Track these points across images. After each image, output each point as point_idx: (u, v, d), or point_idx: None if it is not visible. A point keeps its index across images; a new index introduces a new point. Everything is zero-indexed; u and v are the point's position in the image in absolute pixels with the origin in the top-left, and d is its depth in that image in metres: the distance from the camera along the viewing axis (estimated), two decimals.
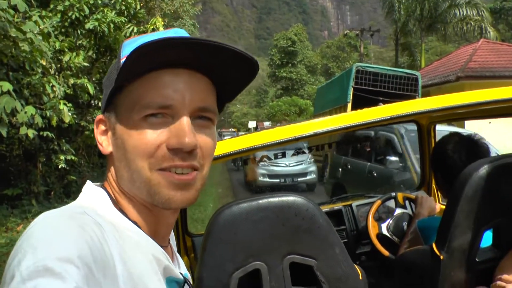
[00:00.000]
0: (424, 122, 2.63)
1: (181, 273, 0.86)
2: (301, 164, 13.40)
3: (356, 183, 8.01)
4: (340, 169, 9.08)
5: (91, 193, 0.80)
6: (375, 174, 7.56)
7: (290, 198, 1.24)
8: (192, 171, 0.76)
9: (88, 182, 0.82)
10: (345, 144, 9.34)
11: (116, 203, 0.79)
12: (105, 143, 0.81)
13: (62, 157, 8.45)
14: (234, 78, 0.83)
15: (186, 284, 0.86)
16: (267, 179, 13.21)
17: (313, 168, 13.54)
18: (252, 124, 46.82)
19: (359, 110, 1.72)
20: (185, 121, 0.74)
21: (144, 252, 0.75)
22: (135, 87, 0.75)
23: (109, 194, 0.80)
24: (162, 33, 0.81)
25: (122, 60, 0.77)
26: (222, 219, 1.21)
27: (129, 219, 0.77)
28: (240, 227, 1.21)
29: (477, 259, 1.54)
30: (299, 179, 13.38)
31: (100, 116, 0.83)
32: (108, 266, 0.62)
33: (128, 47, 0.80)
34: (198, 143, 0.75)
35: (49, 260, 0.54)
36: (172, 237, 1.00)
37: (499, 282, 1.51)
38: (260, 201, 1.23)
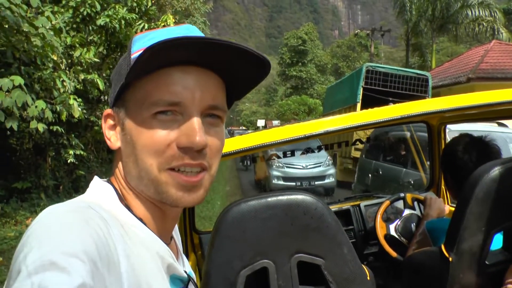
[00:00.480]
0: (434, 123, 2.61)
1: (185, 271, 0.86)
2: (319, 166, 12.38)
3: (390, 191, 6.79)
4: (370, 175, 8.17)
5: (98, 188, 0.80)
6: (411, 181, 6.65)
7: (299, 197, 1.23)
8: (200, 172, 0.76)
9: (96, 178, 0.82)
10: (376, 147, 8.42)
11: (122, 199, 0.79)
12: (113, 138, 0.81)
13: (71, 152, 8.52)
14: (245, 76, 0.83)
15: (190, 282, 0.86)
16: (281, 182, 12.08)
17: (332, 171, 12.54)
18: (261, 122, 46.81)
19: (368, 110, 1.70)
20: (195, 119, 0.74)
21: (148, 249, 0.74)
22: (145, 84, 0.75)
23: (116, 189, 0.80)
24: (173, 29, 0.80)
25: (133, 55, 0.77)
26: (230, 216, 1.21)
27: (135, 215, 0.77)
28: (248, 225, 1.21)
29: (487, 262, 1.52)
30: (316, 182, 12.27)
31: (108, 110, 0.83)
32: (112, 262, 0.62)
33: (138, 42, 0.79)
34: (207, 142, 0.75)
35: (54, 254, 0.55)
36: (178, 236, 1.00)
37: (509, 286, 1.49)
38: (269, 199, 1.23)
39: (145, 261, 0.72)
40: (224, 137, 0.83)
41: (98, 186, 0.80)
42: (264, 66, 0.78)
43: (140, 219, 0.78)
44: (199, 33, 0.82)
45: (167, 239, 0.85)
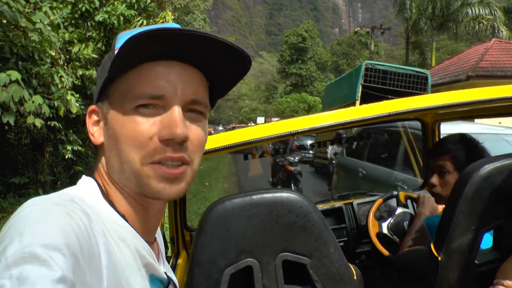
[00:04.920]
0: (428, 120, 2.58)
1: (166, 273, 0.85)
2: None
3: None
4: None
5: (81, 183, 0.80)
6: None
7: (284, 194, 1.22)
8: (181, 165, 0.76)
9: (83, 176, 0.82)
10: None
11: (105, 194, 0.79)
12: (96, 134, 0.81)
13: (69, 148, 8.52)
14: (227, 72, 0.83)
15: (170, 285, 0.85)
16: None
17: None
18: (260, 120, 46.71)
19: (359, 106, 1.69)
20: (177, 111, 0.74)
21: (129, 246, 0.74)
22: (128, 77, 0.75)
23: (99, 184, 0.80)
24: (157, 26, 0.80)
25: (116, 52, 0.77)
26: (214, 214, 1.20)
27: (117, 211, 0.77)
28: (232, 223, 1.20)
29: (476, 261, 1.51)
30: None
31: (92, 106, 0.83)
32: (93, 257, 0.61)
33: (122, 39, 0.79)
34: (189, 135, 0.75)
35: (35, 246, 0.54)
36: (161, 240, 0.99)
37: (500, 287, 1.48)
38: (254, 197, 1.22)
39: (126, 258, 0.71)
40: (206, 132, 0.83)
41: (82, 181, 0.81)
42: (244, 60, 0.78)
43: (122, 215, 0.77)
44: None
45: (150, 238, 0.85)
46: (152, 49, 0.72)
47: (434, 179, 1.94)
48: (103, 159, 0.81)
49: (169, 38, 0.71)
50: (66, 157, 8.59)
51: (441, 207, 2.27)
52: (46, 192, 8.72)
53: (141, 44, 0.68)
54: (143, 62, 0.74)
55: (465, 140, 1.93)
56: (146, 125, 0.73)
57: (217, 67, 0.80)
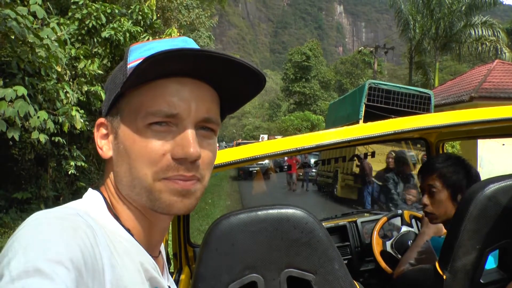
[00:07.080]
0: (432, 140, 2.58)
1: (169, 287, 0.85)
2: None
3: None
4: None
5: (87, 197, 0.79)
6: None
7: (290, 211, 1.22)
8: (193, 179, 0.76)
9: (90, 189, 0.82)
10: None
11: (111, 208, 0.78)
12: (105, 147, 0.80)
13: (72, 163, 8.52)
14: (240, 90, 0.83)
15: None
16: None
17: None
18: (264, 137, 46.78)
19: (362, 124, 1.69)
20: (190, 131, 0.74)
21: (133, 260, 0.74)
22: (141, 93, 0.75)
23: (105, 198, 0.79)
24: (170, 41, 0.81)
25: (130, 65, 0.77)
26: (219, 229, 1.20)
27: (123, 225, 0.77)
28: (237, 238, 1.20)
29: (481, 281, 1.50)
30: None
31: (101, 119, 0.82)
32: (97, 271, 0.61)
33: (135, 52, 0.79)
34: (201, 154, 0.75)
35: (39, 261, 0.54)
36: (163, 253, 0.99)
37: None
38: (259, 213, 1.22)
39: (130, 272, 0.71)
40: (216, 149, 0.83)
41: (88, 194, 0.80)
42: (259, 80, 0.78)
43: (128, 230, 0.77)
44: (195, 45, 0.82)
45: (155, 252, 0.84)
46: (168, 67, 0.72)
47: (425, 199, 1.96)
48: (111, 174, 0.80)
49: (187, 58, 0.71)
50: (69, 172, 8.58)
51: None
52: (48, 207, 8.69)
53: (158, 63, 0.68)
54: (157, 78, 0.74)
55: (451, 158, 1.96)
56: (158, 143, 0.73)
57: (230, 84, 0.79)
